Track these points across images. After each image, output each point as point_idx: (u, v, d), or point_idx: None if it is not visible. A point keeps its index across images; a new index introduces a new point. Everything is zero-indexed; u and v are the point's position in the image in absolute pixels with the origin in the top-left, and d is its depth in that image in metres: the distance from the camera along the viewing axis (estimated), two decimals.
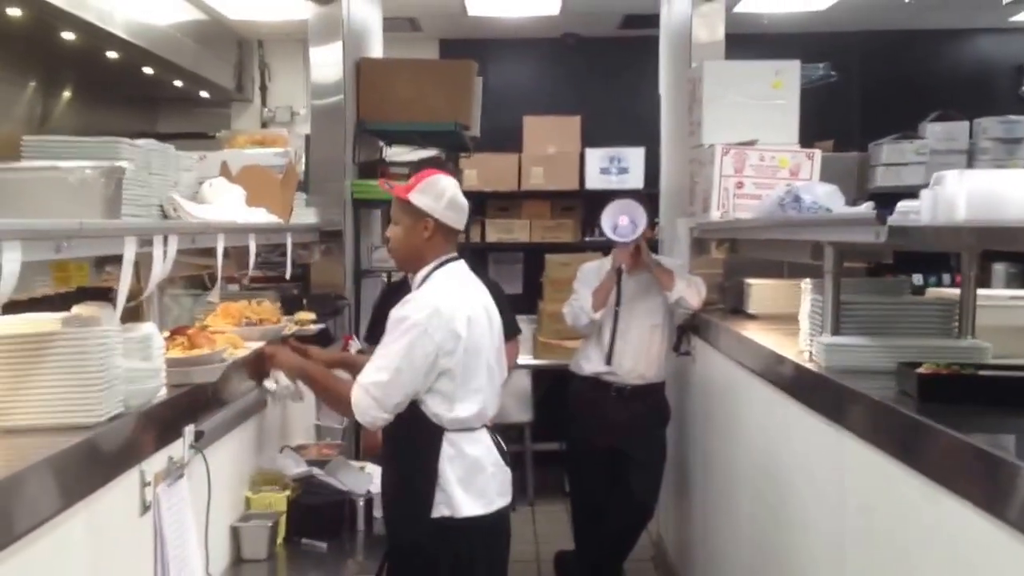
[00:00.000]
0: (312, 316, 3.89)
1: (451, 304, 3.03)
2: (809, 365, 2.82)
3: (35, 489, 1.82)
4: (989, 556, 1.75)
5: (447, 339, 2.98)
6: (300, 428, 4.10)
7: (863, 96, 7.62)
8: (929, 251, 3.34)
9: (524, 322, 7.30)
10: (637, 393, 4.75)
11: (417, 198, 3.10)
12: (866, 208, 2.40)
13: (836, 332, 2.72)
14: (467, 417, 3.06)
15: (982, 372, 2.22)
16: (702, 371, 4.62)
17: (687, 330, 4.82)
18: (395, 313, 3.03)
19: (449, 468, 3.02)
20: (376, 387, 2.96)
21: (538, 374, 6.76)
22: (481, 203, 7.53)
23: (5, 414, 2.04)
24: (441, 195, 3.12)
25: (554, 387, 5.19)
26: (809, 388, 2.80)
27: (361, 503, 3.44)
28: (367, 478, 3.59)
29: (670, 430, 5.04)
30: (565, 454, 5.25)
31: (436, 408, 3.02)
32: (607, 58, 7.80)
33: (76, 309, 2.48)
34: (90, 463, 2.03)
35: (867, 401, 2.31)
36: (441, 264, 3.14)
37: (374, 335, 3.98)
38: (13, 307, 2.45)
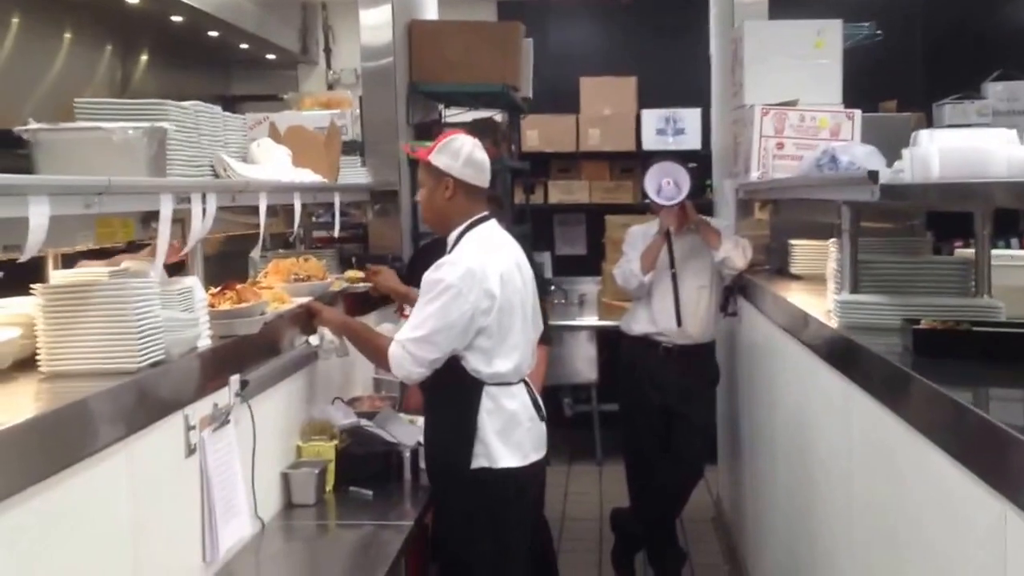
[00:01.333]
0: (360, 275, 4.03)
1: (483, 264, 3.11)
2: (828, 322, 2.87)
3: (81, 423, 2.00)
4: (962, 503, 1.82)
5: (481, 299, 3.08)
6: (360, 380, 4.26)
7: (926, 54, 7.45)
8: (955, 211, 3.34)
9: (588, 283, 7.44)
10: (685, 353, 4.79)
11: (436, 158, 3.17)
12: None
13: (855, 290, 2.77)
14: (505, 372, 3.16)
15: (976, 328, 2.26)
16: (747, 332, 4.66)
17: (734, 291, 4.85)
18: (429, 276, 3.13)
19: (488, 421, 3.14)
20: (412, 343, 3.08)
21: (602, 335, 6.79)
22: (544, 164, 7.60)
23: (54, 359, 2.22)
24: (458, 153, 3.17)
25: (619, 348, 5.26)
26: (827, 345, 2.86)
27: (407, 454, 3.57)
28: (415, 430, 3.72)
29: (721, 391, 5.08)
30: (619, 413, 5.32)
31: (475, 364, 3.13)
32: (663, 18, 7.75)
33: (126, 263, 2.67)
34: (132, 404, 2.20)
35: (867, 355, 2.37)
36: (472, 225, 3.22)
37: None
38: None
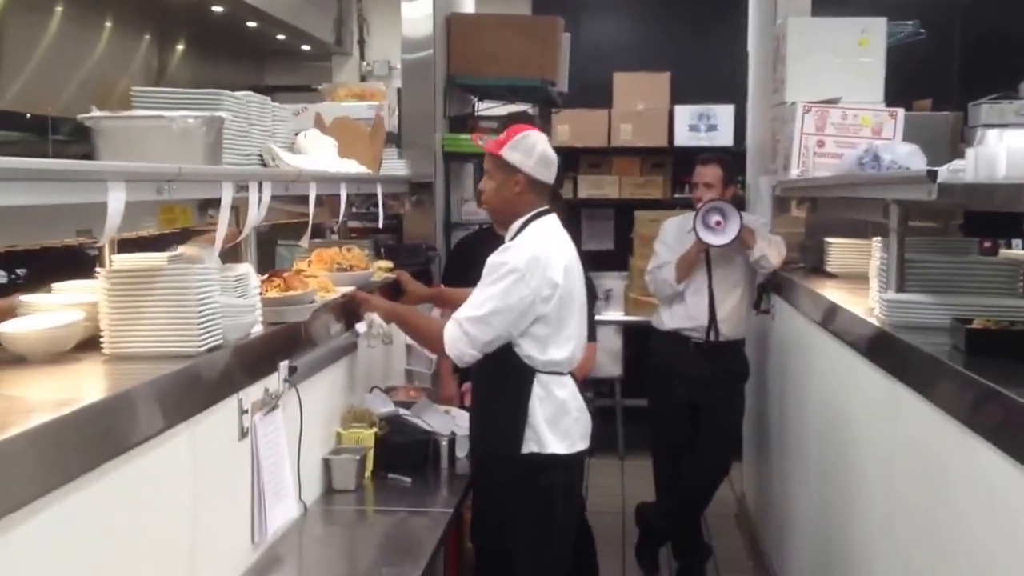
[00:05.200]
0: (389, 264, 4.10)
1: (548, 253, 3.16)
2: (872, 321, 2.88)
3: (143, 407, 2.04)
4: (1018, 503, 1.84)
5: (543, 286, 3.11)
6: (391, 371, 4.31)
7: (962, 54, 7.42)
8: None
9: (615, 279, 7.45)
10: (715, 349, 4.79)
11: (509, 154, 3.19)
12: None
13: (901, 289, 2.78)
14: (559, 360, 3.21)
15: None
16: (780, 329, 4.66)
17: (767, 288, 4.86)
18: (494, 259, 3.16)
19: (539, 407, 3.18)
20: (470, 323, 3.12)
21: (628, 330, 6.84)
22: (573, 159, 7.61)
23: (117, 342, 2.27)
24: (531, 150, 3.20)
25: (644, 343, 5.27)
26: (870, 343, 2.87)
27: (444, 443, 3.63)
28: (451, 420, 3.78)
29: (750, 388, 5.09)
30: (646, 408, 5.34)
31: (529, 351, 3.17)
32: (697, 13, 7.75)
33: (181, 249, 2.71)
34: (192, 388, 2.25)
35: (919, 354, 2.38)
36: (535, 216, 3.25)
37: (448, 278, 4.22)
38: (133, 245, 2.68)
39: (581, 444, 3.30)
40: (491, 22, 5.47)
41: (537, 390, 3.18)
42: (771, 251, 4.61)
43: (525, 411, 3.17)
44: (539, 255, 3.12)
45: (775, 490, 4.76)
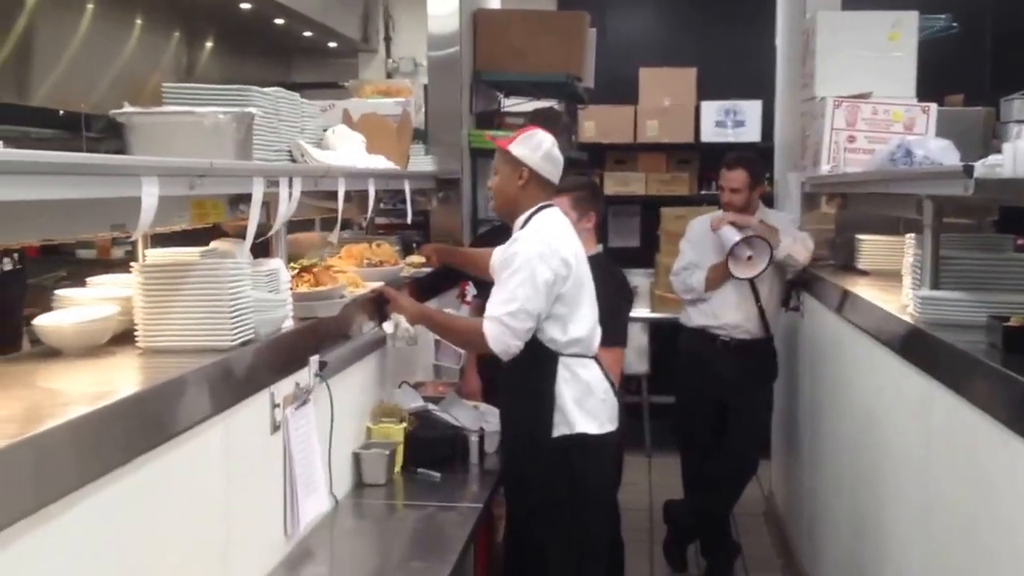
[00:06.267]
0: (422, 260, 4.09)
1: (555, 237, 3.26)
2: (906, 318, 2.85)
3: (179, 400, 2.05)
4: None
5: (560, 266, 3.21)
6: (419, 366, 4.32)
7: (994, 48, 7.33)
8: None
9: (641, 276, 7.43)
10: (743, 347, 4.78)
11: (515, 148, 3.31)
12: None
13: (935, 286, 2.75)
14: (581, 338, 3.28)
15: None
16: (810, 327, 4.63)
17: (796, 286, 4.83)
18: (505, 251, 3.26)
19: (565, 389, 3.26)
20: (508, 317, 3.17)
21: (654, 327, 6.82)
22: (599, 155, 7.59)
23: (152, 336, 2.28)
24: (538, 147, 3.32)
25: (670, 340, 5.25)
26: (904, 341, 2.84)
27: (474, 438, 3.64)
28: (479, 415, 3.78)
29: (779, 386, 5.06)
30: (674, 404, 5.33)
31: (552, 333, 3.25)
32: (723, 8, 7.69)
33: (213, 244, 2.72)
34: (225, 382, 2.26)
35: (954, 352, 2.36)
36: (539, 210, 3.33)
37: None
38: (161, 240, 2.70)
39: (610, 425, 3.36)
40: (517, 18, 5.46)
41: (562, 372, 3.26)
42: (796, 248, 4.59)
43: (552, 394, 3.25)
44: (548, 240, 3.23)
45: (805, 488, 4.73)
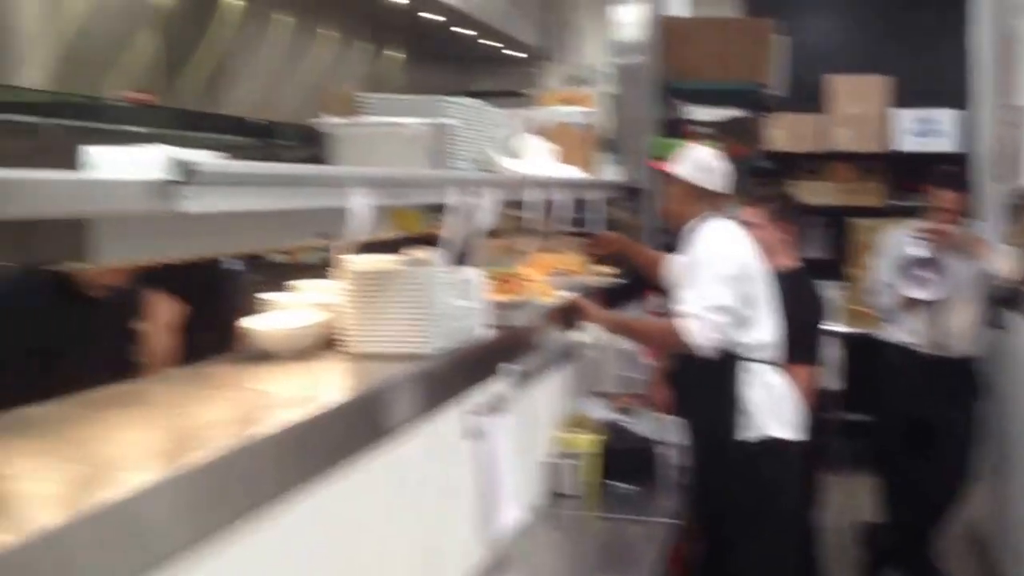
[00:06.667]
0: (609, 270, 4.08)
1: (731, 240, 3.33)
2: None
3: (386, 406, 2.08)
4: None
5: (740, 266, 3.24)
6: (606, 376, 4.29)
7: None
8: None
9: (832, 288, 7.15)
10: (944, 364, 4.59)
11: (671, 166, 3.45)
12: None
13: None
14: (765, 343, 3.28)
15: None
16: (1019, 345, 4.37)
17: (1000, 303, 4.58)
18: (684, 260, 3.29)
19: (751, 393, 3.24)
20: (705, 310, 3.16)
21: (849, 341, 6.53)
22: (789, 165, 7.38)
23: (359, 341, 2.33)
24: (689, 159, 3.42)
25: (863, 356, 5.03)
26: None
27: (668, 452, 3.57)
28: (669, 428, 3.72)
29: (985, 406, 4.79)
30: (873, 423, 5.12)
31: (736, 336, 3.23)
32: (917, 13, 7.33)
33: (414, 252, 2.77)
34: (425, 388, 2.28)
35: None
36: (706, 218, 3.36)
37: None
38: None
39: (799, 434, 3.31)
40: (705, 25, 5.37)
41: (747, 376, 3.24)
42: (1003, 263, 4.37)
43: (733, 396, 3.23)
44: (724, 241, 3.30)
45: (1017, 514, 4.44)
